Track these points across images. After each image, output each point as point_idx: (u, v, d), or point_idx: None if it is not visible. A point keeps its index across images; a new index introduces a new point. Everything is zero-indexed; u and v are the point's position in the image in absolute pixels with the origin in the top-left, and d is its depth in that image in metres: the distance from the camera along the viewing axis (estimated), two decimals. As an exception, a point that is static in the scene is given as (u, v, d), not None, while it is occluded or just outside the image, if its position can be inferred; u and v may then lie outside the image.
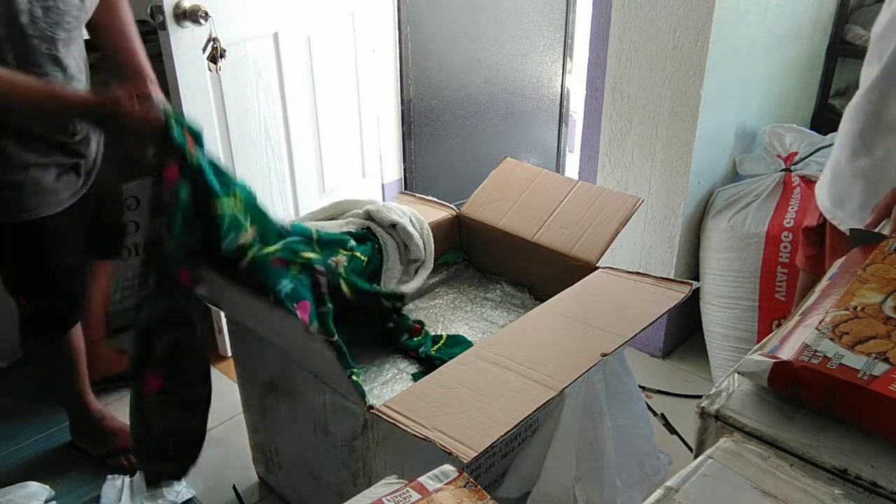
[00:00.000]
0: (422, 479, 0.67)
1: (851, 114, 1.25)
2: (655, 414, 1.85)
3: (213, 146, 1.98)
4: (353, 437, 1.32)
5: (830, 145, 1.68)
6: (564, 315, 1.43)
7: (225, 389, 1.90)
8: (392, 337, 1.64)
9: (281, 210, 2.26)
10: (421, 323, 1.69)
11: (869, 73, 1.19)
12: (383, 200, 2.09)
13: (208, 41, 1.83)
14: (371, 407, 1.20)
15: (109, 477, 1.73)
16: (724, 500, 0.59)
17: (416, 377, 1.53)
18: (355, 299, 1.54)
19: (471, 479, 0.67)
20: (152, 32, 1.97)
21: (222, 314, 1.99)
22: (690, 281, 1.49)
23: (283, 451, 1.62)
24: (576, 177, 2.19)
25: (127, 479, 1.73)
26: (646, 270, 1.68)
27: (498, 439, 1.08)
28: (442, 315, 1.79)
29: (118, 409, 1.90)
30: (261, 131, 2.12)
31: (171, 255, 1.29)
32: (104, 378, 2.01)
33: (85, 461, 1.82)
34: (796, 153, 1.97)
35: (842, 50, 2.21)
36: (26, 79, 1.29)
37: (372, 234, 1.69)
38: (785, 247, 1.87)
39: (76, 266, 1.63)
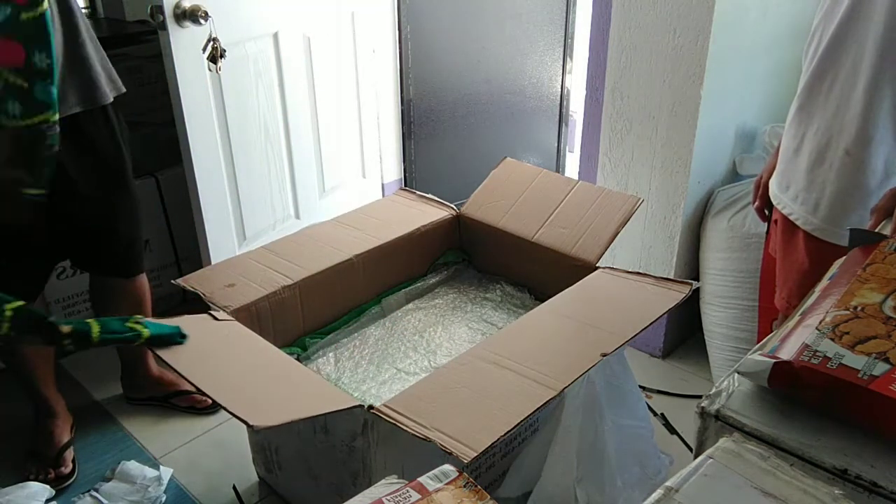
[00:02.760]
0: (422, 479, 0.67)
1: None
2: (655, 414, 1.85)
3: (213, 146, 1.98)
4: (353, 437, 1.32)
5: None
6: (564, 315, 1.43)
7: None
8: None
9: (281, 210, 2.26)
10: None
11: (813, 50, 1.23)
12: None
13: (208, 41, 1.83)
14: (371, 407, 1.20)
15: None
16: (724, 500, 0.59)
17: None
18: None
19: (471, 479, 0.66)
20: (152, 32, 1.98)
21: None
22: (690, 281, 1.49)
23: (283, 451, 1.62)
24: (576, 177, 2.19)
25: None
26: (646, 270, 1.68)
27: (498, 439, 1.08)
28: (442, 315, 1.79)
29: (154, 425, 1.96)
30: (261, 131, 2.12)
31: None
32: (149, 397, 2.02)
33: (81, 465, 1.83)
34: (796, 153, 1.97)
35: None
36: None
37: None
38: (785, 247, 1.87)
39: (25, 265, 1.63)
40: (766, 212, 1.46)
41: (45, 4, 1.33)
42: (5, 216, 1.50)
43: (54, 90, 1.40)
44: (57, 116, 1.43)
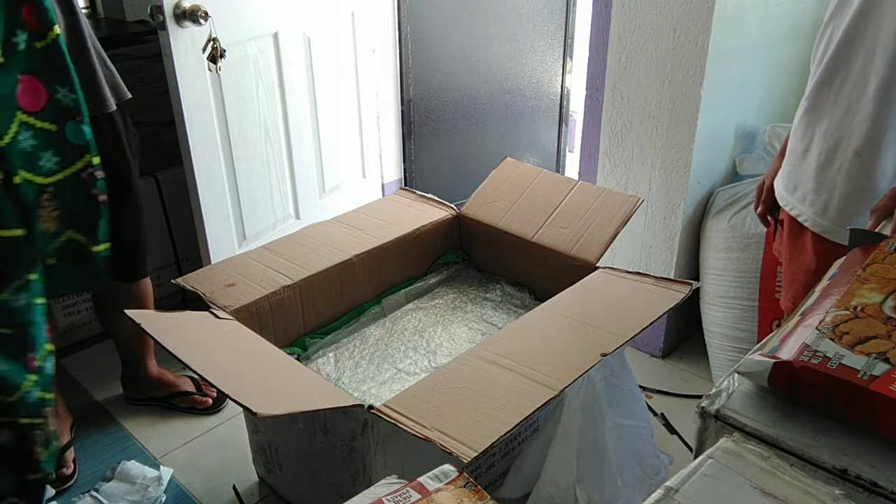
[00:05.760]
0: (422, 479, 0.67)
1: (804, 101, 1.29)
2: (655, 414, 1.85)
3: (213, 146, 1.99)
4: (353, 437, 1.32)
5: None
6: (564, 315, 1.43)
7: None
8: None
9: (281, 210, 2.26)
10: None
11: (822, 50, 1.22)
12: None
13: (208, 41, 1.83)
14: (371, 407, 1.20)
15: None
16: (724, 500, 0.59)
17: None
18: None
19: (471, 479, 0.67)
20: (152, 32, 1.98)
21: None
22: (690, 281, 1.49)
23: (283, 451, 1.62)
24: (576, 177, 2.19)
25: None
26: (646, 270, 1.68)
27: (498, 439, 1.08)
28: (442, 315, 1.79)
29: (154, 425, 1.96)
30: (261, 131, 2.12)
31: None
32: (149, 398, 2.02)
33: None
34: (796, 153, 1.97)
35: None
36: None
37: None
38: (785, 247, 1.87)
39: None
40: (769, 216, 1.45)
41: (58, 29, 1.31)
42: (86, 285, 1.54)
43: (87, 129, 1.38)
44: (98, 159, 1.41)
